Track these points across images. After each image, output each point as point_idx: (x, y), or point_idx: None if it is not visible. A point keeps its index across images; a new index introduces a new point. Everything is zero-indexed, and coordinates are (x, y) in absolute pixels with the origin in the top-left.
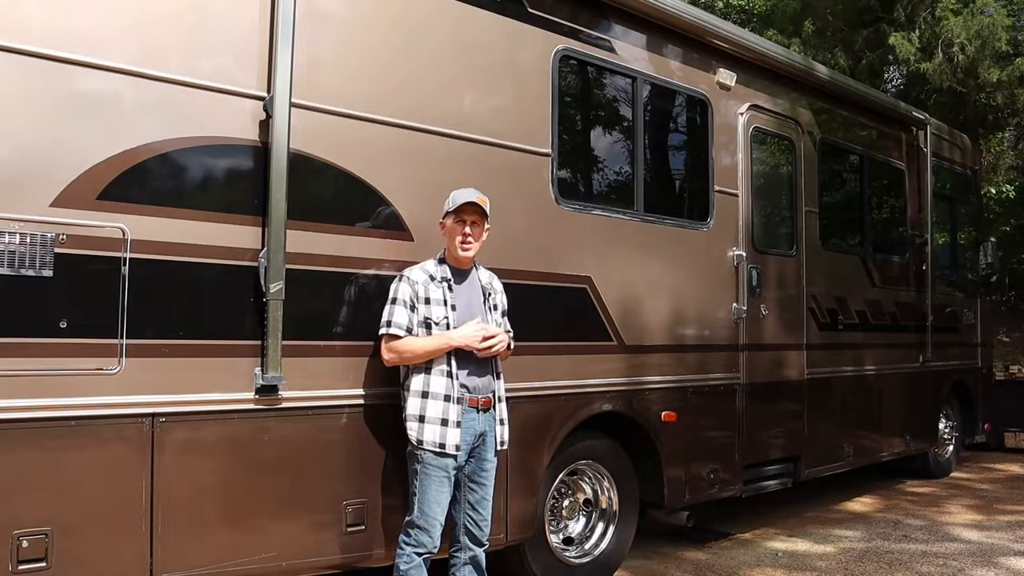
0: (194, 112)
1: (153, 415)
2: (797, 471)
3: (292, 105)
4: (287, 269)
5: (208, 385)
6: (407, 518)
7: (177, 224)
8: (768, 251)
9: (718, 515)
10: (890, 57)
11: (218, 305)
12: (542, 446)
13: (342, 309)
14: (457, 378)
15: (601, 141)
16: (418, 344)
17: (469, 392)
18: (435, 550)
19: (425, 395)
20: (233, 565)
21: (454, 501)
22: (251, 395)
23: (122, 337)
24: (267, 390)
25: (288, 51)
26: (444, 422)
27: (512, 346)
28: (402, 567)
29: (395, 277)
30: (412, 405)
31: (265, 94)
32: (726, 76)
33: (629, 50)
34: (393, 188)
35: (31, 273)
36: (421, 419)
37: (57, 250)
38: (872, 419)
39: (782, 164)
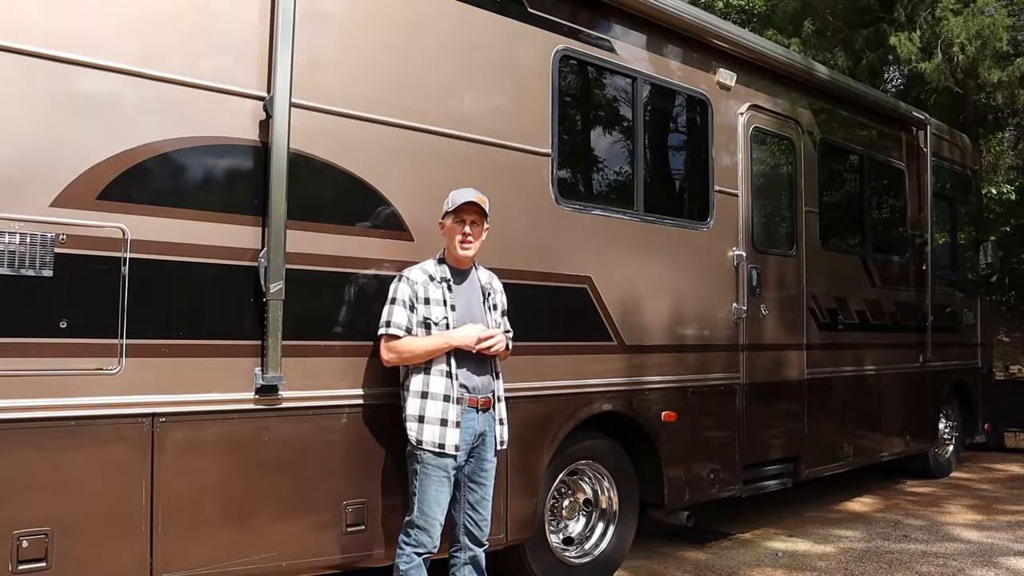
0: (194, 112)
1: (153, 415)
2: (797, 471)
3: (292, 105)
4: (287, 269)
5: (208, 385)
6: (407, 518)
7: (177, 224)
8: (768, 251)
9: (718, 515)
10: (890, 57)
11: (218, 305)
12: (542, 446)
13: (342, 309)
14: (456, 378)
15: (601, 141)
16: (418, 344)
17: (468, 392)
18: (435, 550)
19: (425, 395)
20: (233, 565)
21: (454, 501)
22: (251, 395)
23: (122, 337)
24: (267, 390)
25: (288, 51)
26: (444, 422)
27: (511, 346)
28: (402, 567)
29: (395, 277)
30: (411, 405)
31: (265, 94)
32: (726, 76)
33: (629, 50)
34: (393, 188)
35: (31, 273)
36: (420, 419)
37: (57, 250)
38: (872, 419)
39: (782, 164)
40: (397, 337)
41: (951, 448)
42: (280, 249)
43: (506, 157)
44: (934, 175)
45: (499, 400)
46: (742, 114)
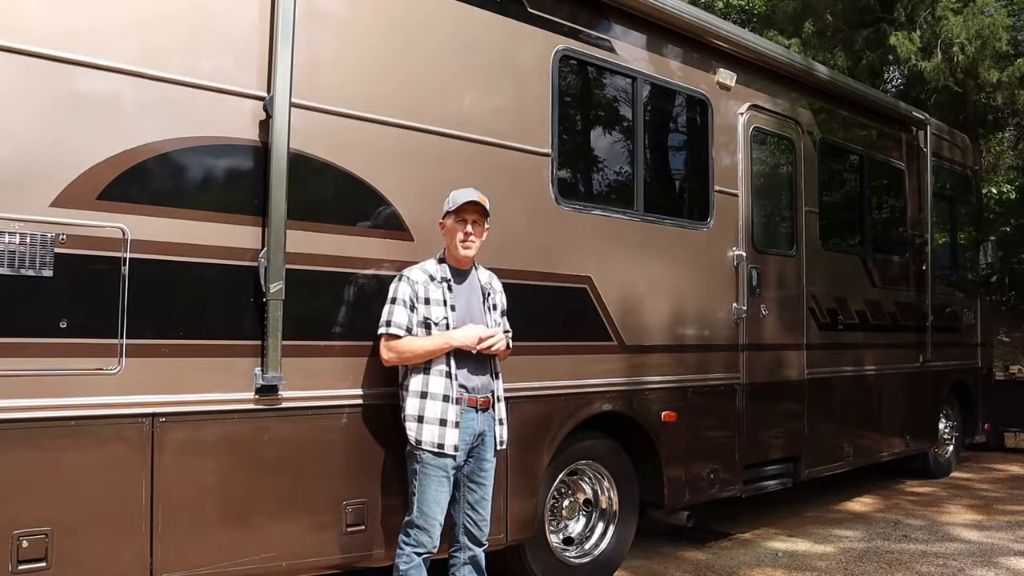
0: (194, 112)
1: (153, 415)
2: (797, 471)
3: (292, 105)
4: (287, 269)
5: (208, 385)
6: (406, 518)
7: (177, 224)
8: (768, 251)
9: (718, 515)
10: (890, 57)
11: (218, 305)
12: (542, 446)
13: (342, 309)
14: (456, 378)
15: (601, 141)
16: (417, 344)
17: (468, 392)
18: (435, 550)
19: (424, 395)
20: (233, 565)
21: (453, 501)
22: (251, 395)
23: (122, 337)
24: (267, 390)
25: (288, 51)
26: (443, 422)
27: (511, 345)
28: (402, 567)
29: (395, 277)
30: (411, 405)
31: (265, 94)
32: (726, 76)
33: (629, 50)
34: (393, 188)
35: (31, 273)
36: (420, 419)
37: (57, 250)
38: (872, 419)
39: (782, 164)
40: (397, 337)
41: (951, 448)
42: (280, 249)
43: (506, 157)
44: (934, 175)
45: (498, 400)
46: (742, 114)
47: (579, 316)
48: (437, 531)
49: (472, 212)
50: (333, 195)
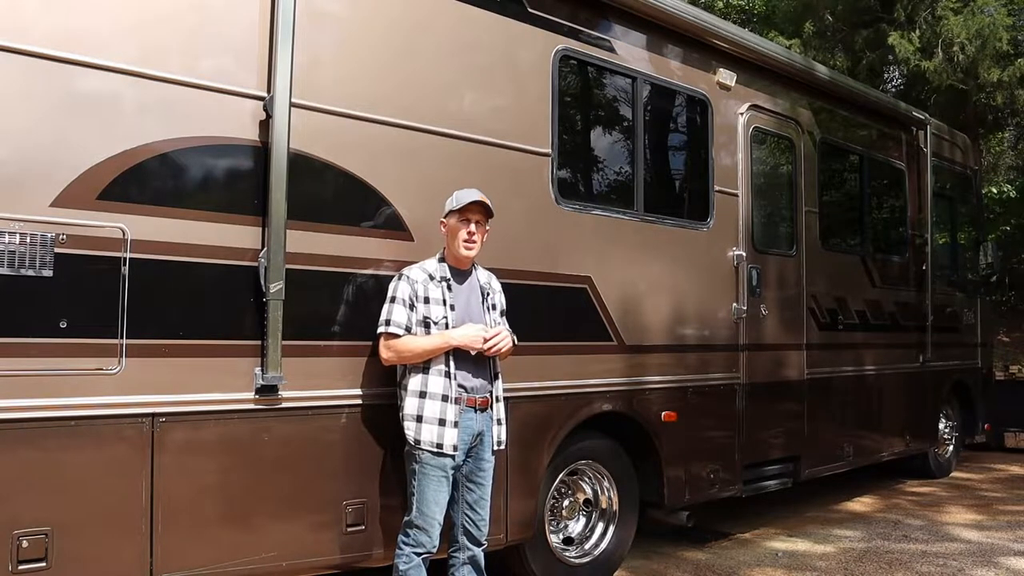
0: (194, 112)
1: (153, 415)
2: (797, 471)
3: (292, 105)
4: (287, 269)
5: (208, 385)
6: (406, 518)
7: (177, 224)
8: (768, 251)
9: (718, 515)
10: (890, 57)
11: (218, 305)
12: (542, 446)
13: (342, 309)
14: (455, 378)
15: (601, 141)
16: (417, 343)
17: (467, 392)
18: (434, 550)
19: (423, 395)
20: (233, 565)
21: (452, 501)
22: (251, 395)
23: (122, 337)
24: (267, 390)
25: (288, 51)
26: (442, 422)
27: (516, 342)
28: (401, 567)
29: (394, 277)
30: (410, 405)
31: (265, 94)
32: (726, 76)
33: (629, 50)
34: (393, 188)
35: (31, 273)
36: (419, 419)
37: (57, 250)
38: (872, 419)
39: (782, 164)
40: (396, 336)
41: (951, 448)
42: (280, 249)
43: (506, 157)
44: (934, 175)
45: (497, 400)
46: (742, 114)
47: (579, 316)
48: (436, 531)
49: (476, 212)
50: (333, 195)
